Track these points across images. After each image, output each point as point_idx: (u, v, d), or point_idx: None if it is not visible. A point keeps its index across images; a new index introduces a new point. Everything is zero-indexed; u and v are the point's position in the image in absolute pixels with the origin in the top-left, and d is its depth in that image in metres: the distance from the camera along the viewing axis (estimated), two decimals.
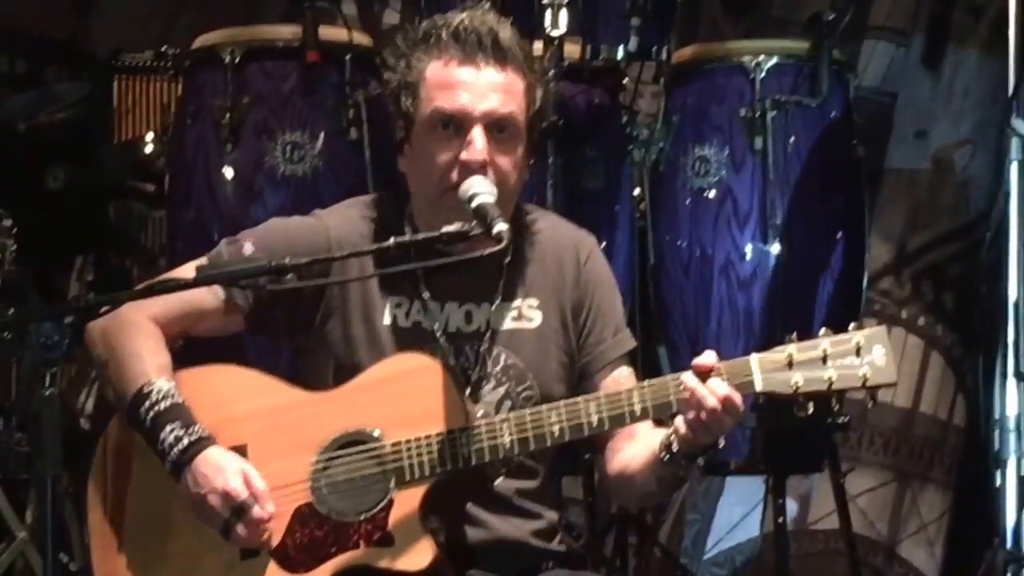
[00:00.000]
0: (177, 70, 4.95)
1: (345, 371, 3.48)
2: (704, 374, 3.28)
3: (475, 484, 3.44)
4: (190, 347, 3.58)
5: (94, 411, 5.69)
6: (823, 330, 3.26)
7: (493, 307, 3.54)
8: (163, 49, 5.25)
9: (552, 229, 3.66)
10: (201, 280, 3.33)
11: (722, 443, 3.33)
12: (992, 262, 5.18)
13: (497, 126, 3.46)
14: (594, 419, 3.34)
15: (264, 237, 3.57)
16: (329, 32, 4.79)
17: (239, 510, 3.33)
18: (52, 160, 5.24)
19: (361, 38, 4.88)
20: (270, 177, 4.68)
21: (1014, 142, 4.64)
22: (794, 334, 3.28)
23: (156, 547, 3.45)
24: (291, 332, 3.57)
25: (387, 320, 3.51)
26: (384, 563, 3.31)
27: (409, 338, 3.50)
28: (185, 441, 3.35)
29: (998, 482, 4.70)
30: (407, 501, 3.34)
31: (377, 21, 5.99)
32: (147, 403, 3.38)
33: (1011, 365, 4.67)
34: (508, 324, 3.55)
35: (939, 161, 6.05)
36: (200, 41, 4.84)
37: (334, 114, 4.73)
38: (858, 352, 3.22)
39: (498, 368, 3.52)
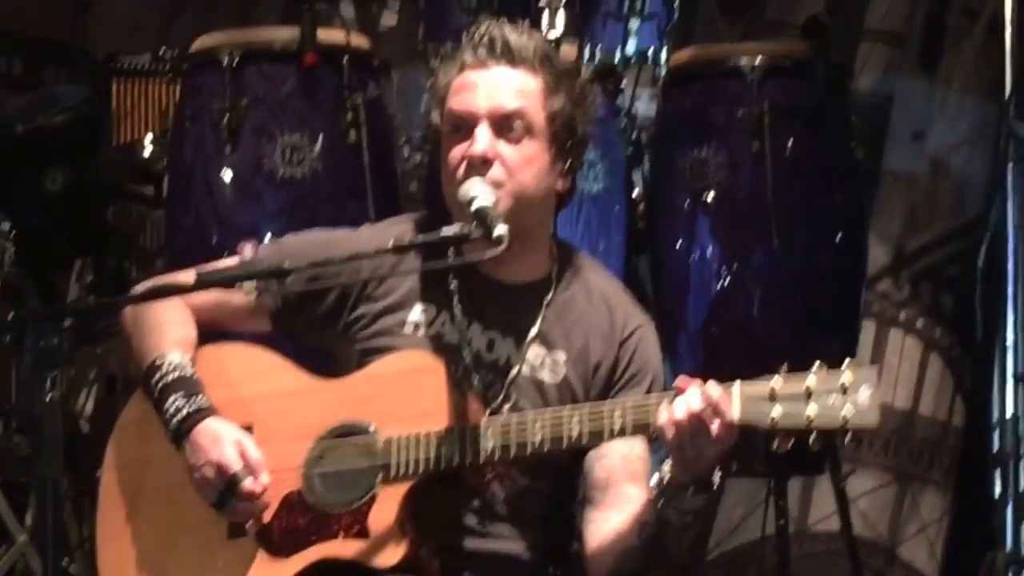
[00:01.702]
0: (175, 72, 4.95)
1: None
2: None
3: (461, 488, 3.44)
4: None
5: (93, 413, 5.70)
6: (816, 364, 3.19)
7: (520, 346, 3.53)
8: (161, 51, 5.25)
9: (608, 292, 3.64)
10: (200, 284, 3.35)
11: (716, 481, 3.32)
12: (990, 263, 5.19)
13: (506, 124, 3.48)
14: (575, 432, 3.31)
15: (300, 242, 3.64)
16: (327, 34, 4.79)
17: (232, 482, 3.37)
18: (51, 162, 5.24)
19: (359, 40, 4.88)
20: (269, 179, 4.68)
21: (1012, 143, 4.66)
22: (784, 365, 3.21)
23: (155, 520, 3.51)
24: (317, 333, 3.61)
25: (408, 329, 3.53)
26: (357, 556, 3.33)
27: (429, 348, 3.51)
28: (184, 411, 3.41)
29: (998, 483, 4.71)
30: (390, 498, 3.35)
31: (375, 23, 5.99)
32: (157, 375, 3.45)
33: (1010, 366, 4.68)
34: (528, 370, 3.53)
35: (936, 163, 6.06)
36: (198, 43, 4.84)
37: (333, 116, 4.73)
38: (844, 391, 3.13)
39: (507, 407, 3.51)
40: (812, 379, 3.15)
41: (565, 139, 3.54)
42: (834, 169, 4.95)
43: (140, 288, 3.62)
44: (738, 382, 3.22)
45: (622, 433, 3.30)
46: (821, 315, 4.87)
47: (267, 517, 3.42)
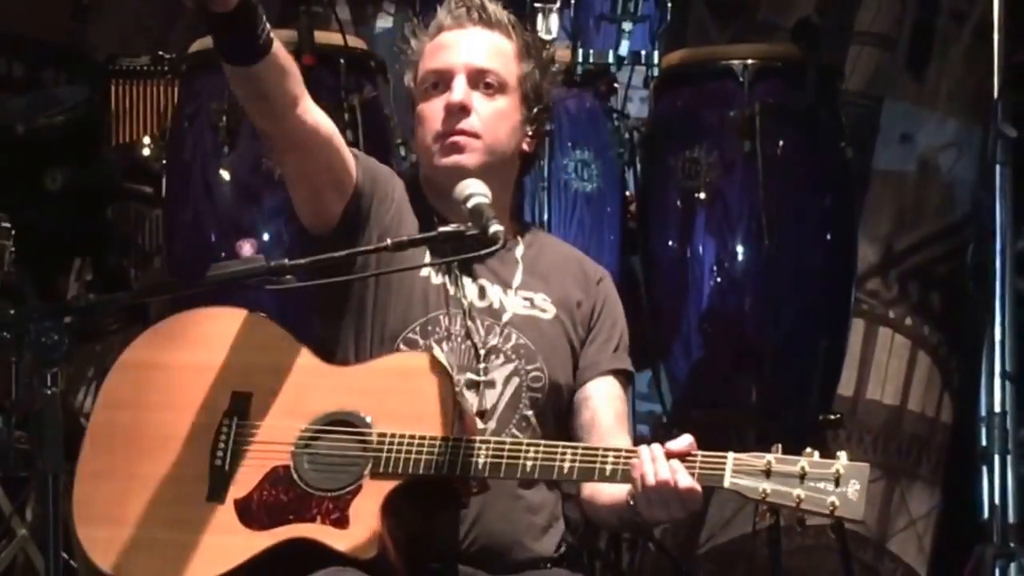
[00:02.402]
0: (174, 74, 4.99)
1: (377, 316, 3.57)
2: (671, 457, 3.29)
3: (445, 496, 3.46)
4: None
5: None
6: (808, 449, 3.25)
7: (508, 292, 3.63)
8: (160, 53, 5.29)
9: (571, 250, 3.82)
10: (207, 282, 3.38)
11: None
12: (978, 262, 5.23)
13: (483, 81, 3.62)
14: (566, 467, 3.36)
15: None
16: (324, 36, 4.83)
17: None
18: (51, 162, 5.28)
19: (355, 42, 4.93)
20: (267, 179, 4.68)
21: (999, 144, 4.70)
22: (779, 445, 3.27)
23: (139, 466, 3.49)
24: (356, 254, 3.56)
25: (424, 272, 3.60)
26: (330, 541, 3.35)
27: (437, 295, 3.59)
28: None
29: (985, 478, 4.75)
30: (375, 491, 3.37)
31: (370, 25, 6.02)
32: None
33: (997, 364, 4.72)
34: (521, 310, 3.63)
35: (925, 163, 6.10)
36: (197, 45, 4.86)
37: (330, 117, 4.74)
38: (837, 481, 3.20)
39: (509, 345, 3.59)
40: (806, 463, 3.23)
41: (534, 103, 3.68)
42: (825, 169, 5.00)
43: None
44: (731, 453, 3.28)
45: (613, 477, 3.34)
46: (811, 314, 4.92)
47: (249, 487, 3.43)
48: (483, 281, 3.64)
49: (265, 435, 3.46)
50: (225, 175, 4.75)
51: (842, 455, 3.24)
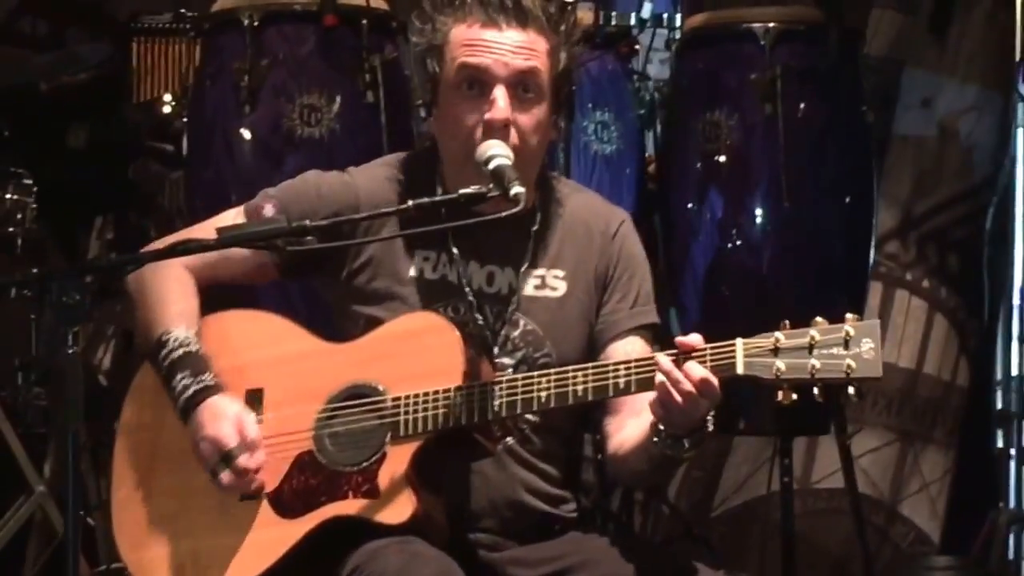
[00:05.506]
0: (196, 32, 4.99)
1: (372, 323, 3.55)
2: (686, 354, 3.28)
3: (471, 446, 3.46)
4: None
5: (111, 367, 5.76)
6: (817, 319, 3.22)
7: (517, 273, 3.59)
8: (182, 11, 5.28)
9: (585, 202, 3.72)
10: (223, 242, 3.38)
11: (711, 427, 3.33)
12: (997, 226, 5.25)
13: (521, 85, 3.51)
14: (579, 388, 3.35)
15: (295, 190, 3.68)
16: None
17: (226, 457, 3.43)
18: (74, 119, 5.28)
19: (378, 2, 4.91)
20: (287, 139, 4.70)
21: (1020, 108, 4.72)
22: (787, 321, 3.24)
23: (169, 482, 3.55)
24: (322, 282, 3.66)
25: (413, 272, 3.58)
26: (366, 514, 3.36)
27: (435, 290, 3.57)
28: (192, 389, 3.46)
29: (1000, 443, 4.78)
30: (399, 456, 3.38)
31: None
32: (164, 351, 3.50)
33: (1015, 327, 4.75)
34: (530, 291, 3.60)
35: (945, 128, 6.09)
36: (220, 4, 4.86)
37: (351, 77, 4.77)
38: (846, 344, 3.17)
39: (516, 332, 3.57)
40: (814, 332, 3.20)
41: (564, 92, 3.62)
42: (845, 132, 4.99)
43: (158, 244, 3.59)
44: (739, 339, 3.25)
45: (628, 389, 3.33)
46: (829, 276, 4.92)
47: (278, 479, 3.45)
48: (492, 267, 3.60)
49: (284, 426, 3.48)
50: (246, 134, 4.75)
51: (850, 316, 3.21)
